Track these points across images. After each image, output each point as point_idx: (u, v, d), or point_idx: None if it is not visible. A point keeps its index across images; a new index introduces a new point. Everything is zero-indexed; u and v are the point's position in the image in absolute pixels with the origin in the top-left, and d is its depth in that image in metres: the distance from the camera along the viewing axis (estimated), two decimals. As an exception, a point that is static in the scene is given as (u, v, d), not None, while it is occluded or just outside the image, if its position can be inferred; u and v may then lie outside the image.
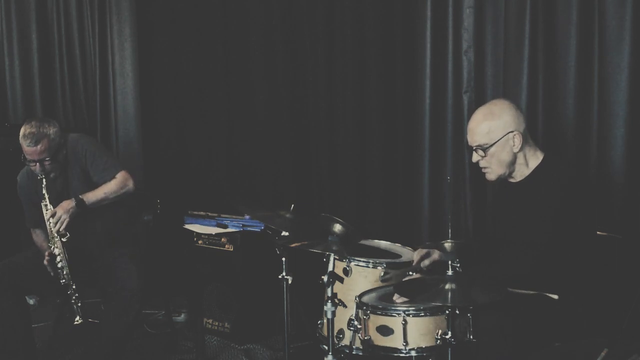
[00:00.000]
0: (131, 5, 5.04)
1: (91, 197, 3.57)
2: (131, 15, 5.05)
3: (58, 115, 5.55)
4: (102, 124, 5.22)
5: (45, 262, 3.50)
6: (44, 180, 3.51)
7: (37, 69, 5.55)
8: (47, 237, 3.60)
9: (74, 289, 3.46)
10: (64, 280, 3.47)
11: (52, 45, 5.52)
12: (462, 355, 2.60)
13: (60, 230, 3.48)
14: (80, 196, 3.54)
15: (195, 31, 4.93)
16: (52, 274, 3.51)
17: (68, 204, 3.51)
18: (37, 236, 3.76)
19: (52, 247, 3.49)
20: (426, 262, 3.04)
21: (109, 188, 3.60)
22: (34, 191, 3.67)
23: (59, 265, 3.47)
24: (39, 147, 3.46)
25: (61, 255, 3.47)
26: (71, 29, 5.44)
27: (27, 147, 3.47)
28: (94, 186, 3.63)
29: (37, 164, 3.50)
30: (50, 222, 3.49)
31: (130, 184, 3.65)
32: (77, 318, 3.43)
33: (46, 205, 3.52)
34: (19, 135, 3.54)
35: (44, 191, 3.51)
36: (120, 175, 3.63)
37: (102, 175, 3.63)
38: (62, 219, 3.47)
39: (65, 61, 5.49)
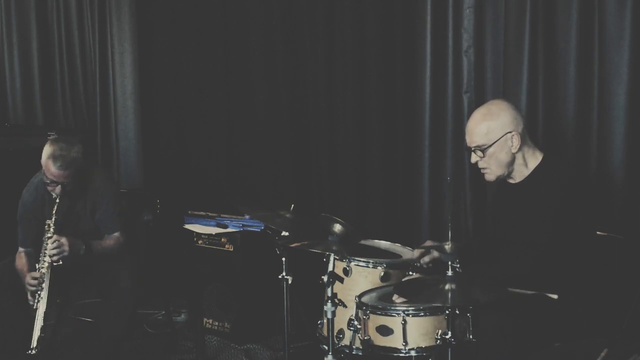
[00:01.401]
0: (131, 5, 5.04)
1: (99, 248, 3.57)
2: (131, 15, 5.05)
3: (58, 115, 5.56)
4: (102, 124, 5.22)
5: (29, 279, 3.41)
6: (57, 199, 3.45)
7: (37, 69, 5.55)
8: (31, 261, 3.52)
9: (42, 317, 3.33)
10: (35, 307, 3.35)
11: (52, 45, 5.52)
12: (462, 355, 2.60)
13: (54, 261, 3.38)
14: (90, 242, 3.52)
15: (195, 31, 4.92)
16: (29, 297, 3.40)
17: (77, 245, 3.45)
18: (21, 260, 3.62)
19: (38, 267, 3.41)
20: (426, 258, 3.04)
21: (111, 247, 3.61)
22: (39, 211, 3.60)
23: (38, 287, 3.37)
24: (67, 171, 3.39)
25: (44, 277, 3.37)
26: (71, 29, 5.44)
27: (55, 169, 3.37)
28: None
29: (59, 186, 3.43)
30: (48, 244, 3.40)
31: (122, 249, 3.67)
32: (33, 349, 3.27)
33: (49, 225, 3.44)
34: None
35: (54, 211, 3.44)
36: (120, 236, 3.65)
37: (107, 227, 3.64)
38: (62, 249, 3.38)
39: (65, 61, 5.49)
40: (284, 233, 3.19)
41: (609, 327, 2.62)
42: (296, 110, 4.51)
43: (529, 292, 2.73)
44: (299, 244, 2.92)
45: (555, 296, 2.73)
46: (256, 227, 4.13)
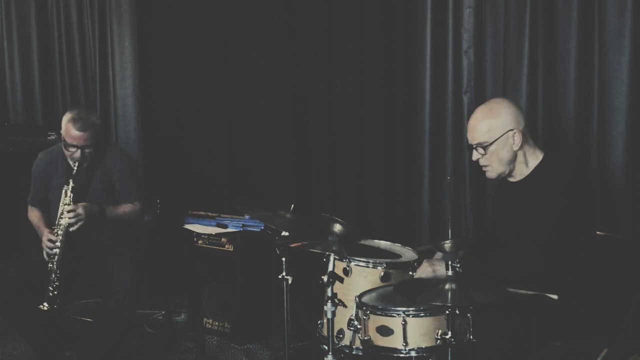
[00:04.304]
0: (131, 6, 5.04)
1: (113, 211, 3.66)
2: (131, 15, 5.04)
3: (58, 116, 5.53)
4: (102, 124, 5.21)
5: (45, 241, 3.50)
6: (75, 168, 3.53)
7: (37, 69, 5.55)
8: (44, 217, 3.67)
9: (58, 275, 3.44)
10: (51, 265, 3.47)
11: (52, 45, 5.52)
12: (462, 355, 2.60)
13: (72, 228, 3.48)
14: (104, 206, 3.60)
15: (195, 31, 4.92)
16: (45, 256, 3.51)
17: (92, 208, 3.54)
18: (34, 213, 3.76)
19: (56, 230, 3.50)
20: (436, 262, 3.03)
21: (127, 211, 3.72)
22: (51, 174, 3.70)
23: (54, 250, 3.48)
24: (87, 133, 3.51)
25: (60, 242, 3.48)
26: (71, 29, 5.44)
27: (75, 131, 3.50)
28: (113, 196, 3.70)
29: (79, 150, 3.52)
30: (65, 213, 3.48)
31: (143, 218, 3.84)
32: (45, 304, 3.39)
33: (66, 192, 3.52)
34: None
35: (72, 178, 3.51)
36: (139, 205, 3.77)
37: (126, 197, 3.73)
38: (79, 218, 3.48)
39: (65, 61, 5.48)
40: (284, 233, 3.19)
41: (609, 327, 2.62)
42: (296, 110, 4.51)
43: (529, 292, 2.73)
44: (299, 244, 2.92)
45: (555, 296, 2.73)
46: (256, 227, 4.13)
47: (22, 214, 3.85)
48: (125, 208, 3.72)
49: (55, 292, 3.43)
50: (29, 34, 5.54)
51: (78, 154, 3.54)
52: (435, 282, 2.66)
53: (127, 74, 5.09)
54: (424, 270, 2.93)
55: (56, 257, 3.47)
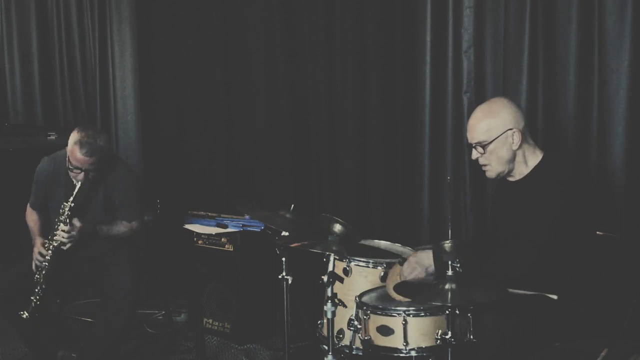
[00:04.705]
0: (131, 6, 5.04)
1: (105, 231, 3.65)
2: (131, 15, 5.04)
3: (58, 116, 5.56)
4: (102, 124, 5.22)
5: (36, 252, 3.52)
6: (77, 188, 3.49)
7: (37, 69, 5.55)
8: (41, 222, 3.69)
9: (43, 288, 3.45)
10: (37, 277, 3.47)
11: (52, 45, 5.52)
12: (462, 355, 2.60)
13: (64, 247, 3.49)
14: (97, 227, 3.60)
15: (195, 31, 4.92)
16: (33, 267, 3.52)
17: (84, 228, 3.53)
18: (32, 216, 3.77)
19: (48, 245, 3.50)
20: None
21: (122, 231, 3.70)
22: (52, 184, 3.68)
23: (43, 264, 3.48)
24: (92, 158, 3.45)
25: (48, 257, 3.48)
26: (71, 29, 5.44)
27: (81, 155, 3.43)
28: (114, 213, 3.69)
29: (82, 173, 3.48)
30: (60, 231, 3.47)
31: (140, 234, 3.82)
32: (25, 312, 3.41)
33: (64, 210, 3.49)
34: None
35: (72, 198, 3.48)
36: (136, 224, 3.75)
37: (124, 215, 3.71)
38: (73, 238, 3.48)
39: (65, 61, 5.48)
40: (284, 233, 3.20)
41: (609, 327, 2.62)
42: (296, 110, 4.51)
43: (528, 292, 2.73)
44: (299, 244, 2.92)
45: (554, 297, 2.73)
46: (256, 227, 4.13)
47: (22, 214, 3.85)
48: (121, 227, 3.69)
49: (38, 303, 3.44)
50: (29, 34, 5.54)
51: (82, 176, 3.48)
52: (432, 280, 2.67)
53: (127, 74, 5.09)
54: (413, 270, 2.90)
55: (44, 270, 3.47)
